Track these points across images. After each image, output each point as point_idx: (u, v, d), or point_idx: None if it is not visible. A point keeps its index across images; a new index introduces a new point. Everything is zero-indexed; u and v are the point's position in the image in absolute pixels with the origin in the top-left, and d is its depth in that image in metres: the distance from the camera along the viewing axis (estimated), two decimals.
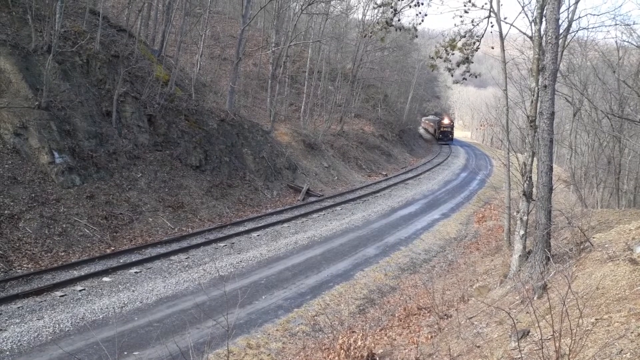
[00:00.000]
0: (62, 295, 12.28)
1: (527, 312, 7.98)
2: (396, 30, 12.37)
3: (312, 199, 26.69)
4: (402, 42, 51.29)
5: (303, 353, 10.66)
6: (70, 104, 18.27)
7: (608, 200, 25.84)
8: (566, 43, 19.98)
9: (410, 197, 30.58)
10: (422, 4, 11.18)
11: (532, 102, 11.87)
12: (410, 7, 11.95)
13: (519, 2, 18.33)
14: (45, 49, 18.20)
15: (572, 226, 11.34)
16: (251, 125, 28.75)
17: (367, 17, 46.93)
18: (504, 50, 16.64)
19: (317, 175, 31.27)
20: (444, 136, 71.00)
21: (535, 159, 11.54)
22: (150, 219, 18.12)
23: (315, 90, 42.29)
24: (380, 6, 12.65)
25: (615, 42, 24.85)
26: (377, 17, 38.96)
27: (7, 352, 9.75)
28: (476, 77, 13.59)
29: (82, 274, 13.60)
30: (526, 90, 19.27)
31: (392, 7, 11.79)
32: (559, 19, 10.47)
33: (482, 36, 13.36)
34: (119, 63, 20.92)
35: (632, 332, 5.35)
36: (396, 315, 12.94)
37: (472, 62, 13.12)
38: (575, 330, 5.10)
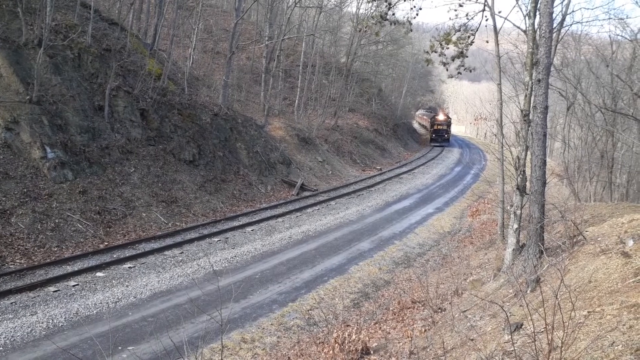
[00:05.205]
0: (55, 291, 12.23)
1: (520, 305, 8.03)
2: (390, 24, 12.36)
3: (307, 193, 26.67)
4: (397, 36, 51.16)
5: (298, 347, 10.67)
6: (62, 98, 18.11)
7: (601, 194, 25.96)
8: (560, 37, 19.96)
9: (404, 191, 30.63)
10: None
11: (525, 96, 11.90)
12: (404, 0, 11.94)
13: None
14: (36, 42, 18.01)
15: (565, 220, 11.39)
16: (245, 120, 28.63)
17: (361, 11, 46.74)
18: (498, 44, 16.62)
19: (312, 170, 31.23)
20: (437, 136, 58.75)
21: (528, 152, 11.58)
22: (144, 214, 18.04)
23: (310, 84, 42.13)
24: None
25: (609, 36, 24.99)
26: (371, 11, 38.78)
27: (1, 348, 9.70)
28: (471, 71, 13.62)
29: (76, 269, 13.55)
30: (520, 85, 19.27)
31: (386, 1, 11.77)
32: (552, 12, 10.47)
33: (477, 30, 13.37)
34: (111, 57, 20.73)
35: (624, 325, 5.39)
36: (390, 309, 12.97)
37: (467, 56, 13.14)
38: (567, 323, 5.12)
